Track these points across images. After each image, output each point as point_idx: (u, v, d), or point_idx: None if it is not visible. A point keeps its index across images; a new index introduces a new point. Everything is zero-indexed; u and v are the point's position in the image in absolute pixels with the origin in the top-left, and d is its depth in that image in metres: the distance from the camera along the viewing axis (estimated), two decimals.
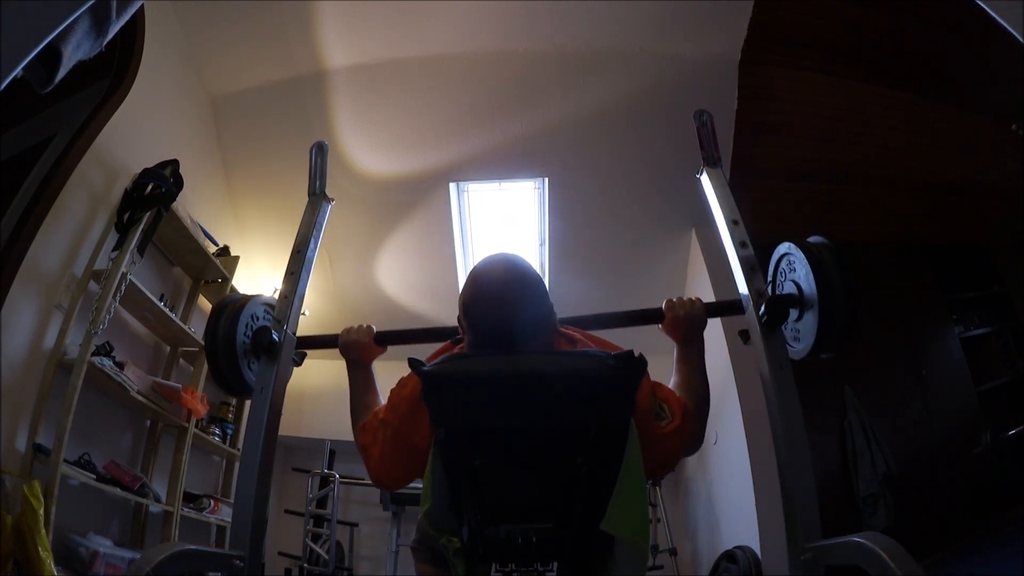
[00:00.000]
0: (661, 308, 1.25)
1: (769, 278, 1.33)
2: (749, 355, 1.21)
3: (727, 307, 1.30)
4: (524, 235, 3.84)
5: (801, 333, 1.24)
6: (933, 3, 2.74)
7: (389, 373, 1.22)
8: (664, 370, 1.17)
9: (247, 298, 1.42)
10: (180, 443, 2.82)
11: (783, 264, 1.30)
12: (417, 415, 1.05)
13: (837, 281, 1.15)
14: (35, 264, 2.08)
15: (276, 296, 1.37)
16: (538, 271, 1.18)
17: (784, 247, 1.28)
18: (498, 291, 1.06)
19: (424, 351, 1.15)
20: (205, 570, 0.96)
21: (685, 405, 1.09)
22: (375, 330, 1.32)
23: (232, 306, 1.37)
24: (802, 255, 1.20)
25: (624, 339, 1.10)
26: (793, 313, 1.22)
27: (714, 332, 3.11)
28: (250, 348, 1.34)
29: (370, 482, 1.29)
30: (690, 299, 1.24)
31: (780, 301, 1.19)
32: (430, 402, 0.99)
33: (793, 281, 1.24)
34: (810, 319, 1.19)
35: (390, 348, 1.34)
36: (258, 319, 1.40)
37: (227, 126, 3.33)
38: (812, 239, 1.24)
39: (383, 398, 1.22)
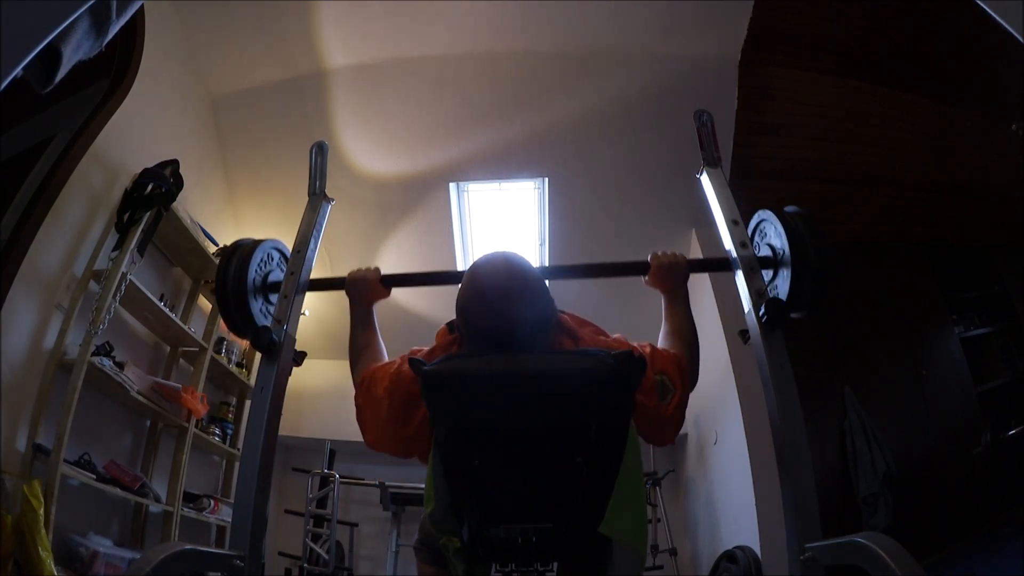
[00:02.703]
0: (647, 260, 1.32)
1: None
2: (749, 355, 1.21)
3: (709, 264, 1.32)
4: (524, 235, 3.84)
5: (776, 292, 1.28)
6: (933, 3, 2.74)
7: None
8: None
9: (259, 241, 1.40)
10: (180, 443, 2.82)
11: (758, 233, 1.35)
12: (409, 408, 1.05)
13: (809, 241, 1.19)
14: (35, 264, 2.08)
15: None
16: (537, 268, 1.18)
17: (760, 214, 1.33)
18: (498, 292, 1.03)
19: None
20: (205, 570, 0.95)
21: (679, 362, 1.14)
22: (381, 272, 1.36)
23: (246, 247, 1.36)
24: (776, 219, 1.25)
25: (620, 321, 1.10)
26: (768, 274, 1.28)
27: (714, 332, 3.17)
28: (260, 286, 1.35)
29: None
30: (673, 252, 1.32)
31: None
32: (429, 401, 0.98)
33: (768, 245, 1.29)
34: (784, 277, 1.23)
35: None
36: (273, 259, 1.42)
37: (227, 126, 3.33)
38: (787, 208, 1.28)
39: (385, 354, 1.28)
